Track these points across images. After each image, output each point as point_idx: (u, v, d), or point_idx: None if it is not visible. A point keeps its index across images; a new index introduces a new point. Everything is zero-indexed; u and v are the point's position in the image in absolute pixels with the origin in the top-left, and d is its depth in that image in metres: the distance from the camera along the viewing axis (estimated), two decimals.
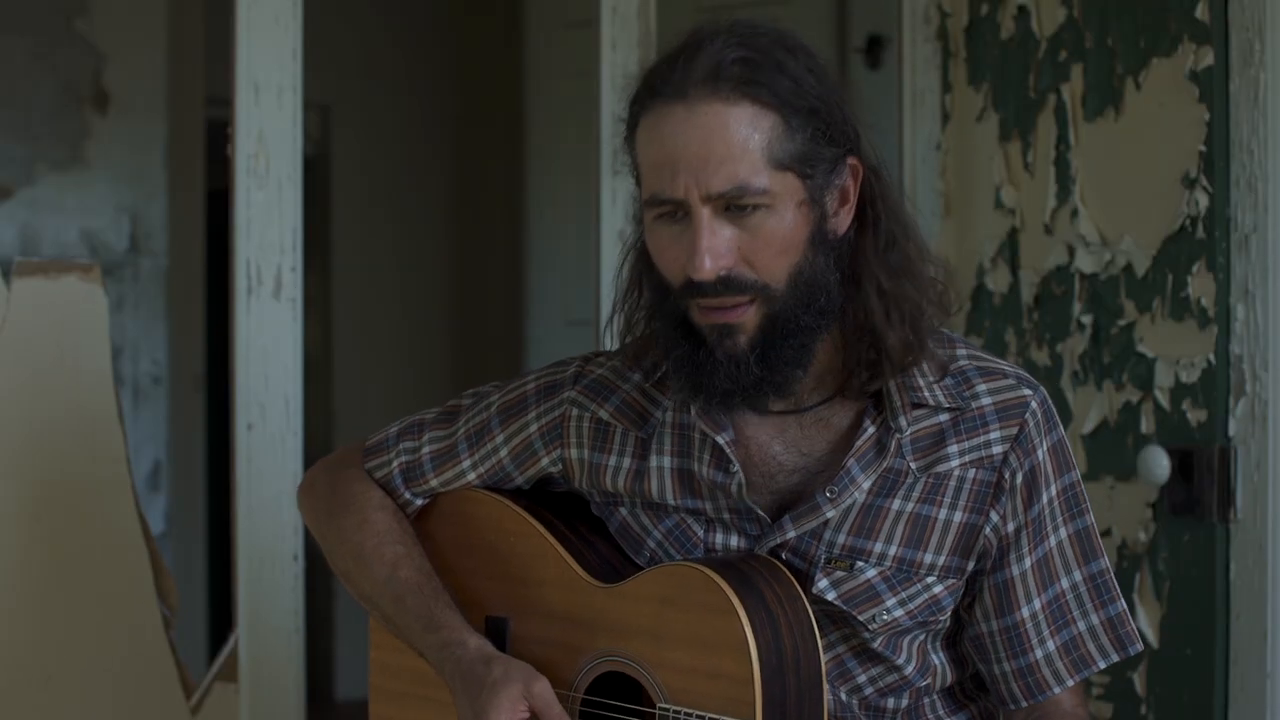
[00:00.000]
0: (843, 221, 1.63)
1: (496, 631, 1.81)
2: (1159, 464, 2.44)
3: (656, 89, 1.58)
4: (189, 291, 4.52)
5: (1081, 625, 1.70)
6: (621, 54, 2.91)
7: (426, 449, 1.87)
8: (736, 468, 1.67)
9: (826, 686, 1.64)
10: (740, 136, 1.55)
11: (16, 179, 4.18)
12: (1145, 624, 2.49)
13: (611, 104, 2.92)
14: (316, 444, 4.28)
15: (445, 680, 1.75)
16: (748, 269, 1.57)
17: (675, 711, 1.62)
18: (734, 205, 1.56)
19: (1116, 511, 2.53)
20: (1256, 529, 2.35)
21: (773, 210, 1.57)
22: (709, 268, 1.55)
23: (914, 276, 1.65)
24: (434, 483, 1.88)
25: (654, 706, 1.65)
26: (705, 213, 1.56)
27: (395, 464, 1.89)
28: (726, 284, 1.57)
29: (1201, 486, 2.40)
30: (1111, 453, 2.55)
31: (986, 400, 1.68)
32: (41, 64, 4.17)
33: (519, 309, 4.88)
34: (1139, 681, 2.51)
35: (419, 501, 1.90)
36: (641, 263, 1.70)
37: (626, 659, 1.69)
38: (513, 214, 4.97)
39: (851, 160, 1.62)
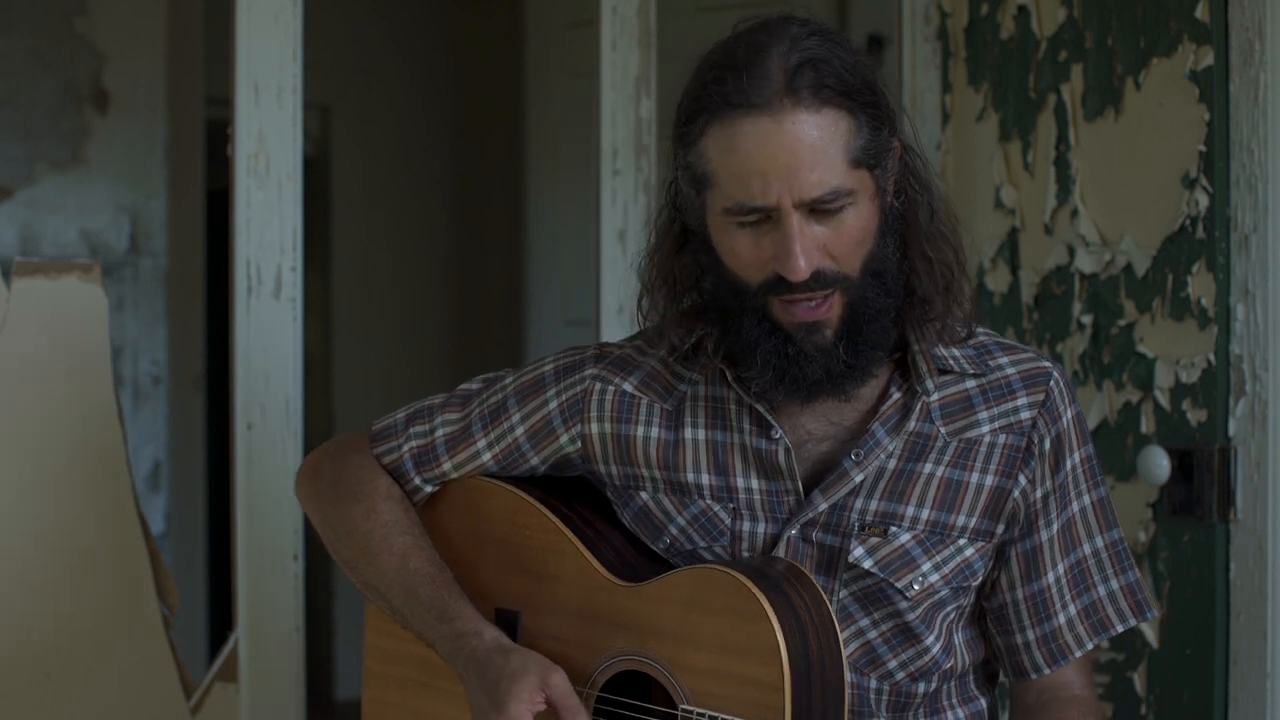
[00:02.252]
0: (894, 200, 1.70)
1: (506, 625, 1.80)
2: (1159, 464, 2.44)
3: (731, 98, 1.60)
4: (189, 291, 4.52)
5: (1102, 590, 1.77)
6: (621, 54, 2.91)
7: (440, 432, 1.88)
8: (779, 432, 1.71)
9: (849, 680, 1.65)
10: (825, 142, 1.60)
11: (16, 179, 4.18)
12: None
13: (611, 104, 2.92)
14: (316, 444, 4.27)
15: (457, 671, 1.75)
16: (831, 263, 1.63)
17: (699, 714, 1.62)
18: (820, 207, 1.61)
19: (1117, 511, 2.53)
20: (1256, 529, 2.35)
21: (854, 206, 1.63)
22: (804, 268, 1.61)
23: (950, 243, 1.73)
24: (447, 465, 1.88)
25: (674, 708, 1.65)
26: (796, 216, 1.60)
27: (406, 449, 1.89)
28: (816, 279, 1.62)
29: (1201, 486, 2.40)
30: (1111, 453, 2.55)
31: (1011, 370, 1.75)
32: (41, 64, 4.17)
33: (519, 309, 4.88)
34: (1139, 681, 2.51)
35: (428, 488, 1.90)
36: (700, 255, 1.72)
37: (646, 658, 1.68)
38: (513, 213, 4.96)
39: (895, 141, 1.68)
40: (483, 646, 1.73)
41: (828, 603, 1.65)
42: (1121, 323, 2.55)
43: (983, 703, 1.80)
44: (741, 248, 1.64)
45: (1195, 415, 2.42)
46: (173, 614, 2.52)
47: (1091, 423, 2.59)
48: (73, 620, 2.43)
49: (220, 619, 4.24)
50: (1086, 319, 2.61)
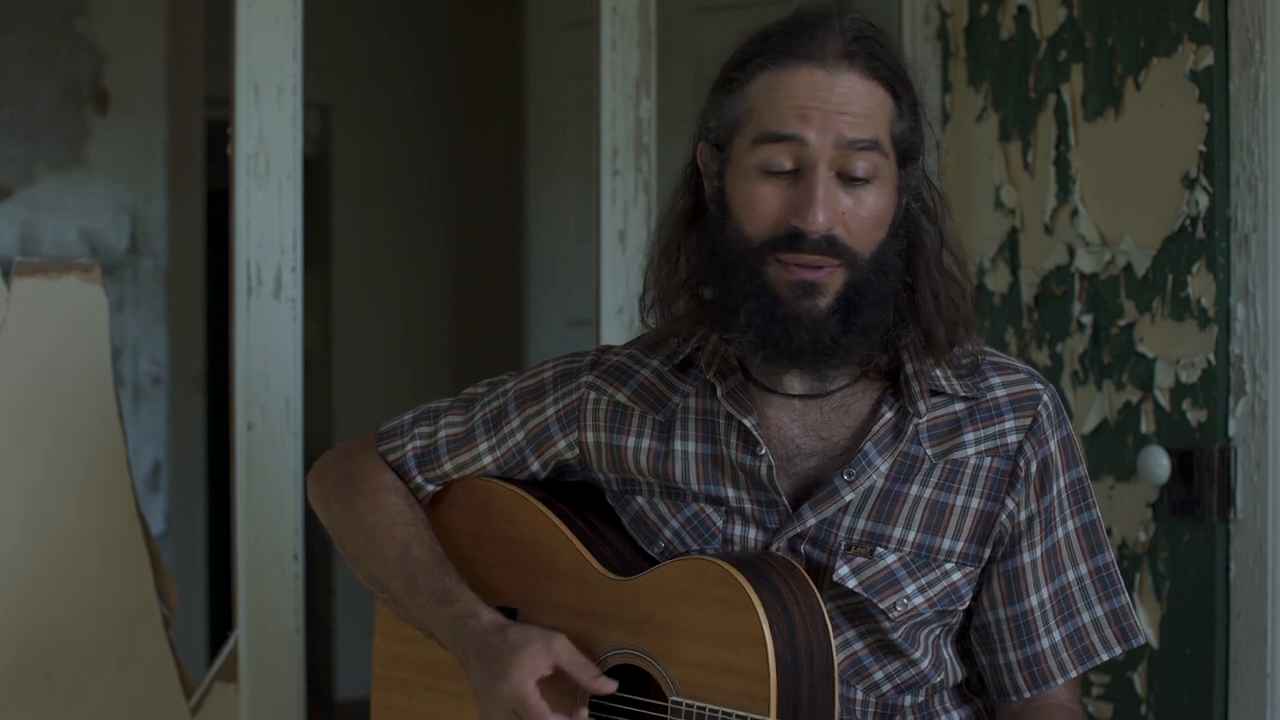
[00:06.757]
0: (908, 210, 1.70)
1: None
2: (1159, 464, 2.44)
3: (790, 48, 1.63)
4: (189, 291, 4.52)
5: (1086, 617, 1.74)
6: (621, 54, 2.91)
7: (442, 433, 1.89)
8: (764, 450, 1.69)
9: (838, 683, 1.64)
10: (872, 107, 1.64)
11: (16, 179, 4.18)
12: (1145, 624, 2.49)
13: (611, 104, 2.92)
14: (316, 444, 4.28)
15: (457, 655, 1.76)
16: (846, 234, 1.63)
17: (688, 705, 1.62)
18: (846, 172, 1.62)
19: (1116, 511, 2.53)
20: (1256, 529, 2.35)
21: (878, 183, 1.64)
22: (823, 221, 1.61)
23: (960, 289, 1.72)
24: (448, 467, 1.89)
25: (666, 700, 1.65)
26: (824, 169, 1.61)
27: (409, 448, 1.90)
28: (830, 243, 1.62)
29: (1201, 486, 2.40)
30: (1111, 453, 2.55)
31: (1001, 392, 1.73)
32: (41, 64, 4.17)
33: (519, 309, 4.88)
34: (1139, 681, 2.51)
35: (430, 488, 1.91)
36: (696, 227, 1.72)
37: (639, 651, 1.69)
38: (513, 214, 4.96)
39: (921, 159, 1.70)
40: (480, 627, 1.74)
41: (818, 595, 1.64)
42: (1121, 323, 2.55)
43: (980, 703, 1.79)
44: (759, 197, 1.63)
45: (1195, 415, 2.42)
46: (173, 614, 2.52)
47: (1091, 423, 2.59)
48: (73, 620, 2.43)
49: (220, 619, 4.24)
50: (1086, 319, 2.61)
